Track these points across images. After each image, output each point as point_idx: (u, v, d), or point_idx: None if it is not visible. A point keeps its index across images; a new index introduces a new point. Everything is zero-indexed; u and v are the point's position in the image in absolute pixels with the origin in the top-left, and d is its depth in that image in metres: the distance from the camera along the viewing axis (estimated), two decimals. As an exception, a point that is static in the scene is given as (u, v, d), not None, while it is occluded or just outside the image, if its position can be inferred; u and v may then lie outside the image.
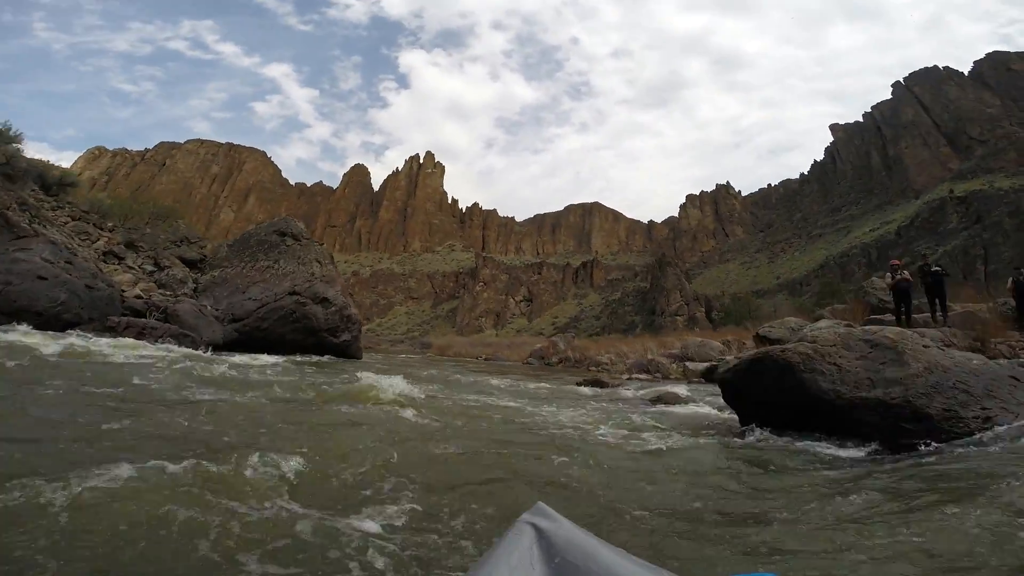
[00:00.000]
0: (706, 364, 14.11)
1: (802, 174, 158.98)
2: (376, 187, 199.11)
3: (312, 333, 17.81)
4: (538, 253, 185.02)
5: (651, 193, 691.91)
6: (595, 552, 0.94)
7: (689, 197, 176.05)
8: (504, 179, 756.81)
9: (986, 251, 57.97)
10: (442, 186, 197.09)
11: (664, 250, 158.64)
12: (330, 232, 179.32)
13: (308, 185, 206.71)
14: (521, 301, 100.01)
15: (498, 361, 31.63)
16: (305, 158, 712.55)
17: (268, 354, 14.24)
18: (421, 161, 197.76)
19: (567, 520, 1.06)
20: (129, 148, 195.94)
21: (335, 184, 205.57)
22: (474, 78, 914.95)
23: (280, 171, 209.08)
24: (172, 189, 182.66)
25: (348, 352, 19.23)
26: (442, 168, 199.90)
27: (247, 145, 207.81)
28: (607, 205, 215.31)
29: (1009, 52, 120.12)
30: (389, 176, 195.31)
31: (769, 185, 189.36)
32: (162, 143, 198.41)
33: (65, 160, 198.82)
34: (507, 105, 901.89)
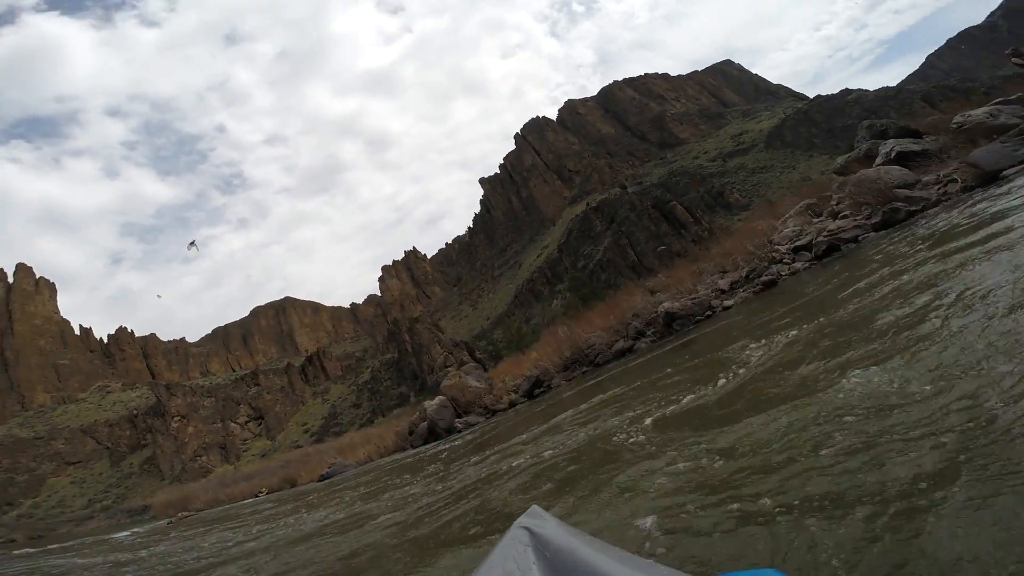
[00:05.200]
0: None
1: (469, 227, 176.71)
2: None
3: None
4: (234, 371, 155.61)
5: (335, 283, 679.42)
6: (591, 553, 0.93)
7: (385, 268, 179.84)
8: (151, 301, 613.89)
9: (629, 239, 76.75)
10: (58, 312, 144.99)
11: (376, 326, 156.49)
12: None
13: None
14: (248, 421, 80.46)
15: (338, 474, 23.21)
16: None
17: None
18: (11, 280, 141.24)
19: (562, 522, 1.06)
20: None
21: None
22: (79, 176, 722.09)
23: None
24: None
25: None
26: (50, 286, 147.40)
27: None
28: (300, 298, 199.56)
29: (576, 100, 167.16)
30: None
31: (447, 244, 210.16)
32: None
33: None
34: (135, 207, 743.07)
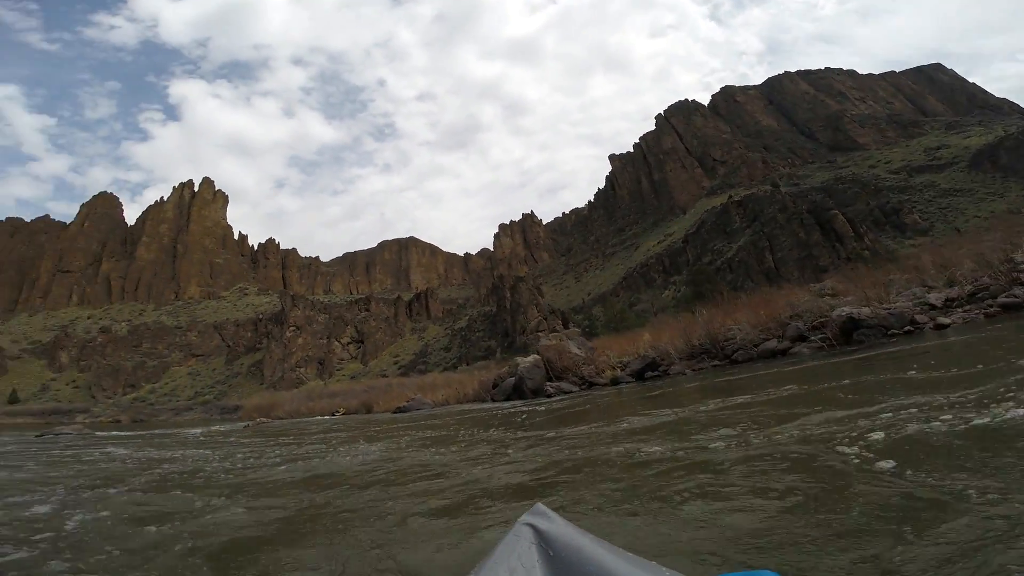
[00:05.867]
0: None
1: (589, 201, 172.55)
2: (132, 222, 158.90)
3: None
4: (351, 294, 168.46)
5: (455, 232, 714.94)
6: (593, 551, 0.92)
7: (501, 226, 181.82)
8: (299, 221, 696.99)
9: (770, 242, 68.08)
10: (225, 219, 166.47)
11: (483, 279, 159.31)
12: (62, 279, 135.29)
13: (27, 221, 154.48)
14: (349, 343, 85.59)
15: (414, 410, 21.96)
16: (30, 198, 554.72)
17: None
18: (196, 189, 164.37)
19: (565, 520, 1.05)
20: None
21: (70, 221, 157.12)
22: (264, 113, 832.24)
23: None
24: None
25: None
26: (224, 198, 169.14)
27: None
28: (422, 239, 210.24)
29: (735, 87, 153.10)
30: (151, 207, 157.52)
31: (564, 213, 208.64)
32: None
33: None
34: (303, 144, 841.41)
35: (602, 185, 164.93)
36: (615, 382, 14.83)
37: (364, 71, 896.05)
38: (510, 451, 5.97)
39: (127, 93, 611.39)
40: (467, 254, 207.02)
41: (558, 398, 14.28)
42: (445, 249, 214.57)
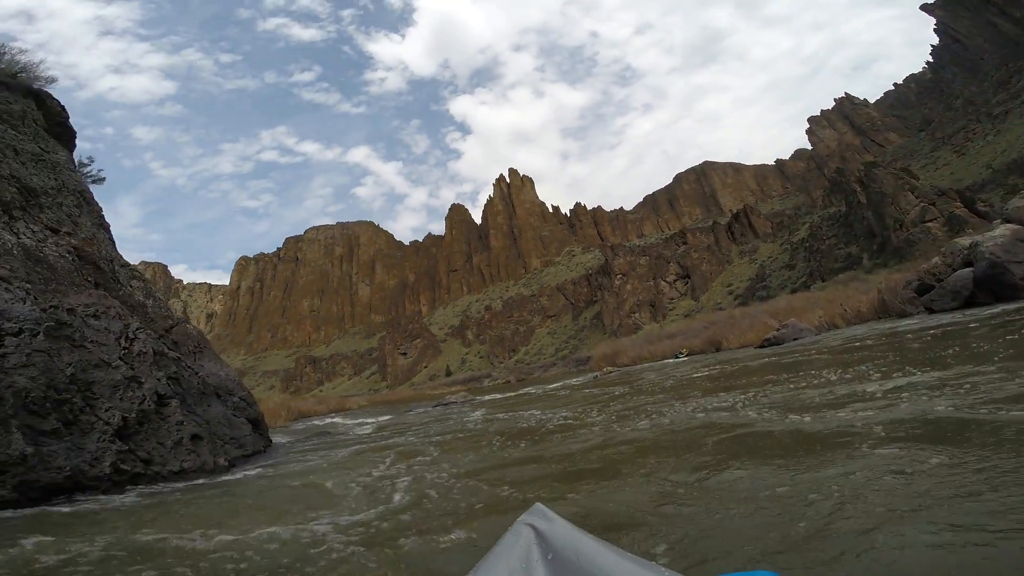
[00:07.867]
0: None
1: (928, 62, 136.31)
2: (478, 220, 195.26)
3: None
4: (662, 232, 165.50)
5: (750, 144, 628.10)
6: (593, 552, 0.91)
7: (813, 120, 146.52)
8: (593, 183, 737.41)
9: None
10: (537, 197, 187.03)
11: (810, 181, 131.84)
12: (455, 277, 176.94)
13: (420, 241, 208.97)
14: (675, 280, 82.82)
15: (789, 339, 17.54)
16: (417, 225, 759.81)
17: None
18: (508, 180, 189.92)
19: (565, 521, 1.02)
20: (265, 252, 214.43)
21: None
22: (522, 102, 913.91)
23: (392, 235, 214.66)
24: (314, 280, 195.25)
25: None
26: (530, 181, 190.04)
27: (354, 221, 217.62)
28: (719, 161, 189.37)
29: None
30: (486, 205, 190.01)
31: (896, 84, 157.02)
32: (288, 239, 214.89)
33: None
34: (564, 115, 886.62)
35: (935, 41, 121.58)
36: None
37: (572, 31, 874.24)
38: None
39: (427, 125, 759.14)
40: (779, 160, 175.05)
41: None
42: (749, 164, 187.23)
